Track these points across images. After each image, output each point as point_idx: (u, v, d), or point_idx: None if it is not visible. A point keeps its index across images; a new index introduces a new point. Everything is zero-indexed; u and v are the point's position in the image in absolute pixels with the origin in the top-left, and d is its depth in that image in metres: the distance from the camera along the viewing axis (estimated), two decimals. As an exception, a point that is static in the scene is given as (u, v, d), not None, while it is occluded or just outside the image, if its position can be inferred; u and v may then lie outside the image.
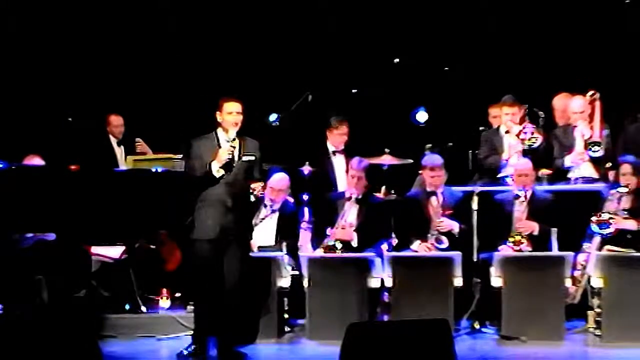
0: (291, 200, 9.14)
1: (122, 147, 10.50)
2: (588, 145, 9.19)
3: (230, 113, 7.58)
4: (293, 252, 8.69)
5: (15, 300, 8.25)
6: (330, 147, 9.77)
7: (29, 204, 7.79)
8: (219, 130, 7.64)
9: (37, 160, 8.90)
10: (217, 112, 7.63)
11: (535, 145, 9.23)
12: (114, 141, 10.50)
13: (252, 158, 7.62)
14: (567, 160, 9.32)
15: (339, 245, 8.60)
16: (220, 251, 7.50)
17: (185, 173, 7.82)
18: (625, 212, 8.43)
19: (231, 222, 7.51)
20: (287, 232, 8.89)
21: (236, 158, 7.53)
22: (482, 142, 9.70)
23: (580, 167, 9.30)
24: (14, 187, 7.80)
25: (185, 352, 7.63)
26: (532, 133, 9.25)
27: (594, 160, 9.24)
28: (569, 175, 9.34)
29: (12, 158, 8.65)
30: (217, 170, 7.47)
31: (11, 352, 5.36)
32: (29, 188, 7.84)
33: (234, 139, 7.51)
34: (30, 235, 8.51)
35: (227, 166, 7.49)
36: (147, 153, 10.46)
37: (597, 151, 9.17)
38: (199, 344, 7.59)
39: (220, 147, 7.54)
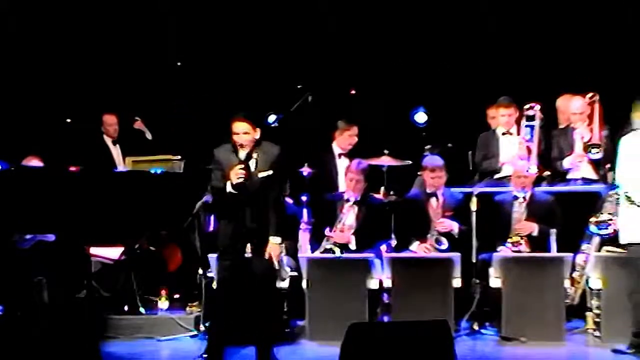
0: (290, 201, 9.14)
1: (117, 146, 10.52)
2: (587, 147, 9.19)
3: (237, 134, 7.16)
4: (292, 253, 8.69)
5: (15, 301, 8.25)
6: (336, 150, 9.78)
7: (29, 205, 7.78)
8: None
9: (36, 162, 8.92)
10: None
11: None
12: (109, 141, 10.52)
13: (269, 173, 7.23)
14: (566, 162, 9.33)
15: (336, 250, 8.58)
16: (237, 263, 7.27)
17: (210, 183, 7.45)
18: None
19: (250, 235, 7.24)
20: (286, 233, 8.87)
21: (252, 170, 7.20)
22: (478, 146, 9.71)
23: (579, 168, 9.31)
24: (14, 188, 7.79)
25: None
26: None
27: (593, 162, 9.24)
28: (568, 176, 9.34)
29: (11, 159, 8.66)
30: (229, 191, 7.16)
31: (11, 352, 5.37)
32: (29, 189, 7.83)
33: (246, 158, 7.14)
34: (30, 236, 8.52)
35: (240, 188, 7.15)
36: (144, 132, 10.54)
37: (596, 153, 9.17)
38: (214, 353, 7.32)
39: (238, 158, 7.18)
